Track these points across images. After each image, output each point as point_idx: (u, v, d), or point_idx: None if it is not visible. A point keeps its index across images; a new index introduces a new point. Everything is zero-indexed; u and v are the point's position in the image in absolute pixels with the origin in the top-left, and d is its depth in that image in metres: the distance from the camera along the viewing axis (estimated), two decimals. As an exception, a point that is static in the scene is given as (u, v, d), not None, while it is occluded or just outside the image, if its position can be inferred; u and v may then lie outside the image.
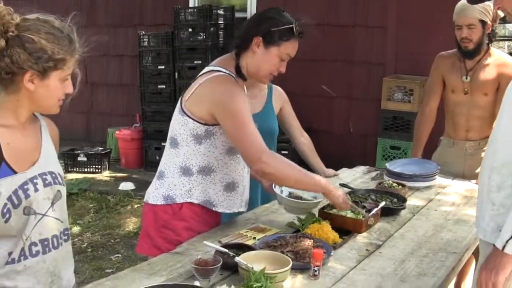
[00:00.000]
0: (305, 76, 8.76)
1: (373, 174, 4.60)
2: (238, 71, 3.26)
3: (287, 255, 2.81)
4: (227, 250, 2.82)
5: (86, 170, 9.32)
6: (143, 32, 9.37)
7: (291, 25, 3.19)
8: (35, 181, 2.37)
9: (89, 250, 6.44)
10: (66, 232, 2.54)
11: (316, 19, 8.42)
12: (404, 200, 3.75)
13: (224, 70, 3.22)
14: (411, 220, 3.59)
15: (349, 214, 3.36)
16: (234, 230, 3.29)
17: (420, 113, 4.97)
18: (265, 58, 3.21)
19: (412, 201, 3.95)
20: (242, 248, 2.92)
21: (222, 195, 3.33)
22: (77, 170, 9.34)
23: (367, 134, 8.39)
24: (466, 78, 4.58)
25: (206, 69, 3.30)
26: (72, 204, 7.78)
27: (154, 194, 3.34)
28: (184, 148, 3.26)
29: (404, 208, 3.67)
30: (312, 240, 2.98)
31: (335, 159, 8.49)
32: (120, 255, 6.24)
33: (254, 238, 3.14)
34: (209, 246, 2.89)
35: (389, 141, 7.68)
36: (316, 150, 8.55)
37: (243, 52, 3.25)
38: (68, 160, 9.42)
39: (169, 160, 3.33)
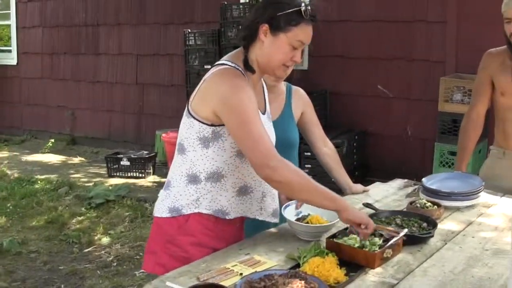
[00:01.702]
0: (360, 76, 8.31)
1: (410, 190, 3.96)
2: (246, 64, 2.92)
3: (268, 300, 2.28)
4: (194, 294, 2.30)
5: (129, 174, 9.03)
6: (189, 30, 8.98)
7: (299, 8, 2.81)
8: None
9: (114, 264, 6.02)
10: None
11: (371, 14, 8.02)
12: (434, 225, 3.13)
13: (230, 63, 2.91)
14: (440, 250, 2.96)
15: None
16: (224, 262, 2.75)
17: (465, 118, 4.31)
18: (274, 47, 2.88)
19: (447, 224, 3.32)
20: (217, 290, 2.40)
21: (235, 201, 3.02)
22: (120, 174, 9.05)
23: (426, 138, 7.77)
24: None
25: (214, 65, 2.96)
26: (107, 212, 7.44)
27: (160, 206, 3.04)
28: (191, 153, 2.96)
29: (431, 236, 3.04)
30: (303, 281, 2.41)
31: (392, 164, 7.96)
32: (145, 271, 5.77)
33: (241, 274, 2.60)
34: (172, 288, 2.39)
35: (447, 146, 7.02)
36: (371, 154, 8.14)
37: (251, 43, 2.94)
38: (112, 164, 9.11)
39: (176, 168, 3.03)
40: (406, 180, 4.20)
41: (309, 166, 7.15)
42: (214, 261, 2.78)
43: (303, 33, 2.87)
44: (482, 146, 6.74)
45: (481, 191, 3.69)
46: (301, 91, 3.84)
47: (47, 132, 11.87)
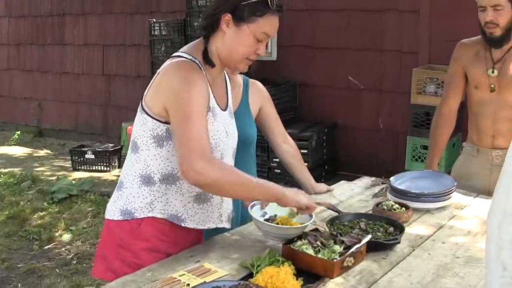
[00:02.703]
0: (330, 67, 8.04)
1: (377, 189, 3.74)
2: (206, 56, 2.70)
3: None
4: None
5: (94, 168, 8.80)
6: (154, 20, 8.75)
7: None
8: None
9: (74, 262, 5.78)
10: None
11: (341, 3, 7.79)
12: (401, 229, 2.91)
13: (187, 56, 2.69)
14: (408, 257, 2.74)
15: (320, 254, 2.55)
16: (171, 270, 2.53)
17: (437, 113, 4.09)
18: (237, 39, 2.68)
19: (416, 228, 3.10)
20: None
21: (192, 208, 2.79)
22: (85, 168, 8.83)
23: (398, 131, 7.55)
24: (493, 72, 3.73)
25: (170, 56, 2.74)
26: (69, 207, 7.19)
27: (112, 208, 2.85)
28: (144, 152, 2.74)
29: (398, 243, 2.81)
30: (255, 294, 2.20)
31: (362, 158, 7.75)
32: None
33: (188, 285, 2.39)
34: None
35: (419, 140, 6.81)
36: (342, 147, 7.92)
37: (212, 34, 2.72)
38: (76, 157, 8.89)
39: (129, 167, 2.82)
40: (373, 178, 3.99)
41: (277, 160, 6.93)
42: (161, 269, 2.57)
43: (269, 24, 2.67)
44: (456, 139, 6.56)
45: (453, 192, 3.46)
46: (259, 84, 3.61)
47: (14, 124, 11.64)
